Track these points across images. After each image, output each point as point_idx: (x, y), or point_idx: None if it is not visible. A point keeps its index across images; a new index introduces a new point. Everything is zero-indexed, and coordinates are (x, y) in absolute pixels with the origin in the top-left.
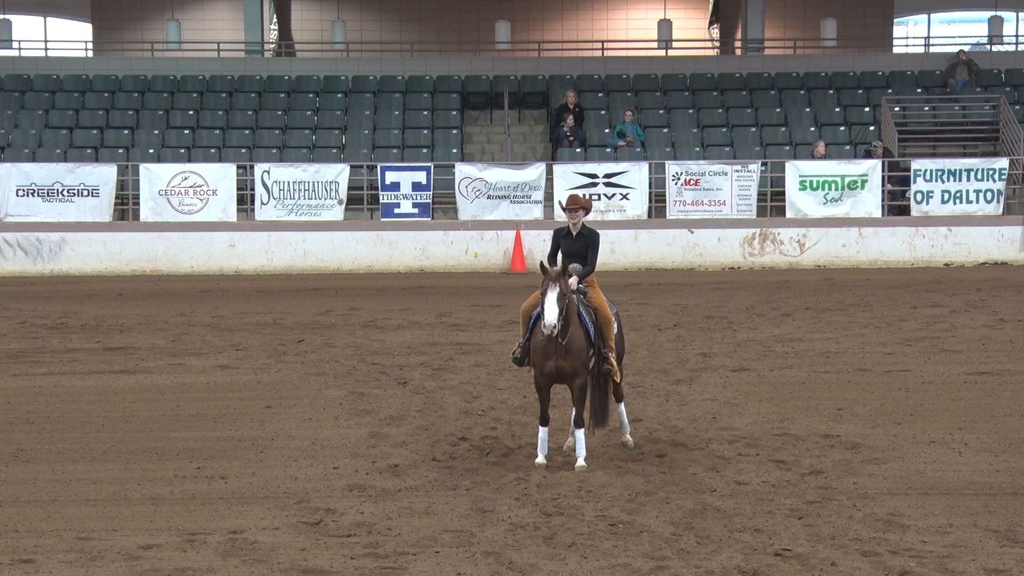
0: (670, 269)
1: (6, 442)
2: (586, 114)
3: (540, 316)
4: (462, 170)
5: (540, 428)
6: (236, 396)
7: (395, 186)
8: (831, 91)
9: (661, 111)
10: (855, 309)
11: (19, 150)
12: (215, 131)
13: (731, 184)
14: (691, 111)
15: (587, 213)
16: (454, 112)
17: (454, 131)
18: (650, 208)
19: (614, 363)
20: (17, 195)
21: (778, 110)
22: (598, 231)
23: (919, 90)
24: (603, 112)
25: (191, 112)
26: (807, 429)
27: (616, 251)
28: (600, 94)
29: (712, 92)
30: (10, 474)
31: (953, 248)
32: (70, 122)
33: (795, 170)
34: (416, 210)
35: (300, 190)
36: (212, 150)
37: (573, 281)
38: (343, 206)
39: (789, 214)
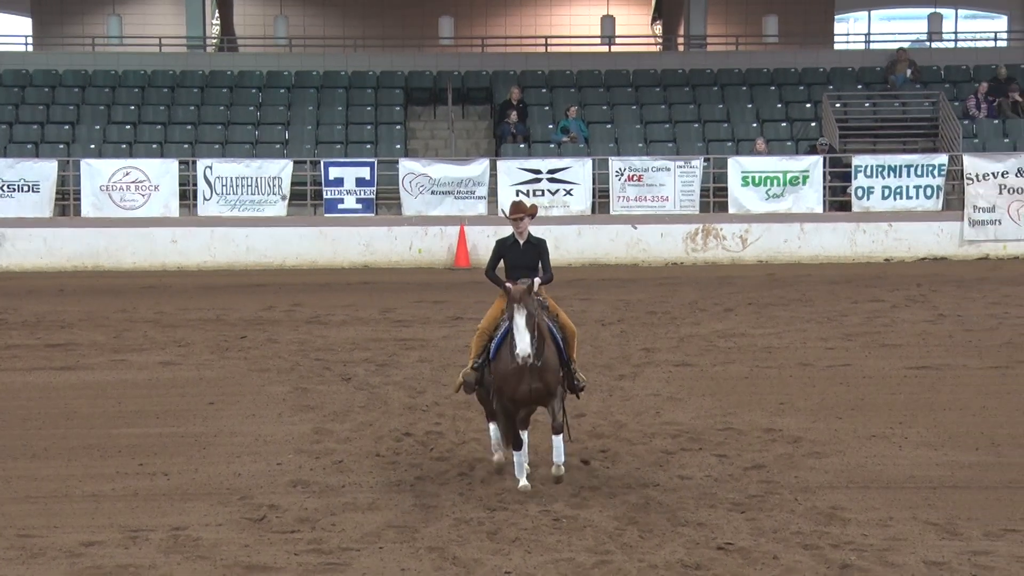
0: (614, 265)
1: None
2: (530, 110)
3: (508, 343)
4: (406, 166)
5: (515, 453)
6: (179, 392)
7: (339, 182)
8: (773, 87)
9: (604, 107)
10: (797, 304)
11: None
12: (157, 126)
13: (674, 180)
14: (634, 107)
15: (532, 219)
16: (397, 108)
17: (398, 127)
18: (594, 204)
19: (583, 377)
20: None
21: (720, 106)
22: (544, 238)
23: (860, 87)
24: (547, 108)
25: (132, 107)
26: (749, 423)
27: (560, 247)
28: (544, 90)
29: (655, 88)
30: None
31: (893, 244)
32: (9, 117)
33: (737, 166)
34: (360, 206)
35: (243, 186)
36: (154, 145)
37: (538, 281)
38: (286, 202)
39: (731, 210)
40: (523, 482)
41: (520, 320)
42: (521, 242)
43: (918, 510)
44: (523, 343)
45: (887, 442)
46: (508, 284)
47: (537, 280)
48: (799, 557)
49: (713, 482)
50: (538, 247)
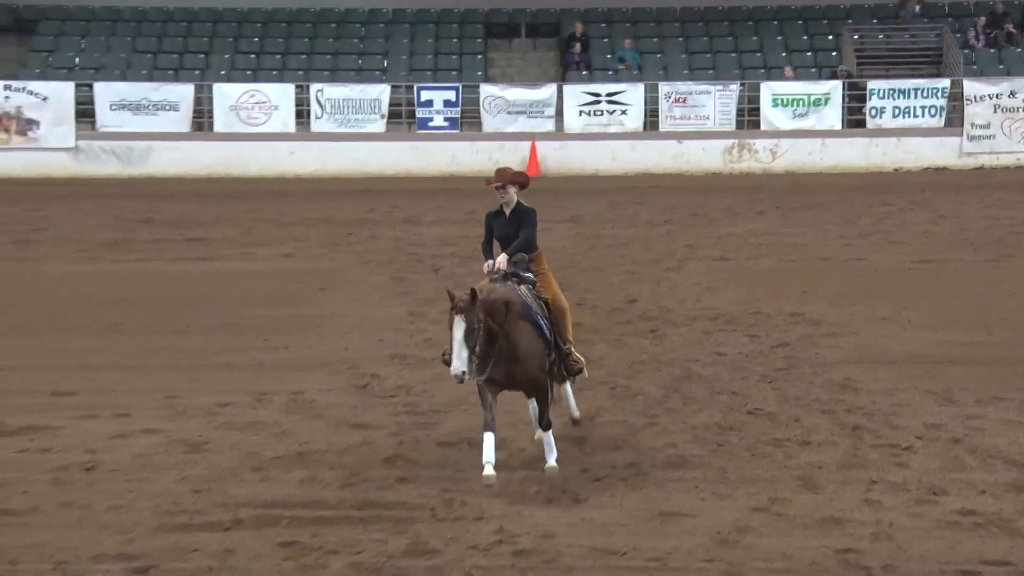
0: (661, 174)
1: (105, 317)
2: (591, 42)
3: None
4: (486, 90)
5: (484, 434)
6: (296, 280)
7: (429, 103)
8: (800, 22)
9: (655, 39)
10: (818, 208)
11: (111, 71)
12: (276, 56)
13: (714, 102)
14: (680, 39)
15: (523, 188)
16: (479, 40)
17: (479, 56)
18: (645, 122)
19: (580, 358)
20: (110, 109)
21: (754, 38)
22: (534, 208)
23: (875, 20)
24: (606, 40)
25: (256, 39)
26: (776, 308)
27: (616, 159)
28: (603, 24)
29: (698, 23)
30: (108, 344)
31: (902, 155)
32: (154, 47)
33: (768, 90)
34: (447, 124)
35: (348, 106)
36: (274, 72)
37: (502, 260)
38: (385, 120)
39: (763, 127)
40: (488, 470)
41: (458, 333)
42: (507, 212)
43: (919, 381)
44: (458, 361)
45: (894, 324)
46: (488, 263)
47: (503, 257)
48: (818, 420)
49: (745, 357)
50: (521, 217)
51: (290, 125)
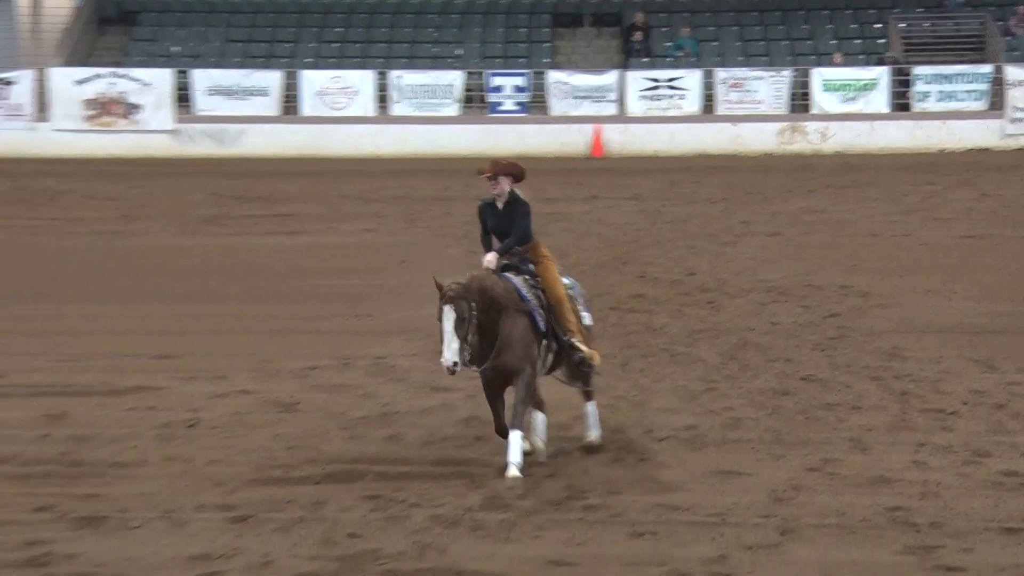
0: (718, 155)
1: (202, 287)
2: (651, 31)
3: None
4: (553, 76)
5: (502, 439)
6: (377, 253)
7: (499, 89)
8: (848, 11)
9: (712, 28)
10: (866, 186)
11: (206, 59)
12: (358, 44)
13: (767, 86)
14: (735, 28)
15: (516, 180)
16: (546, 29)
17: (546, 44)
18: (702, 106)
19: (582, 347)
20: (206, 94)
21: (806, 26)
22: (526, 201)
23: (920, 9)
24: (665, 29)
25: (339, 29)
26: (827, 281)
27: (675, 140)
28: (663, 14)
29: (753, 12)
30: (207, 311)
31: (946, 137)
32: (245, 37)
33: (819, 75)
34: (516, 107)
35: (424, 91)
36: (356, 60)
37: (491, 258)
38: (458, 104)
39: (814, 111)
40: (513, 471)
41: (448, 324)
42: (500, 205)
43: (963, 350)
44: (448, 351)
45: (939, 296)
46: (486, 257)
47: (491, 256)
48: (867, 386)
49: (798, 327)
50: (513, 211)
51: (371, 109)
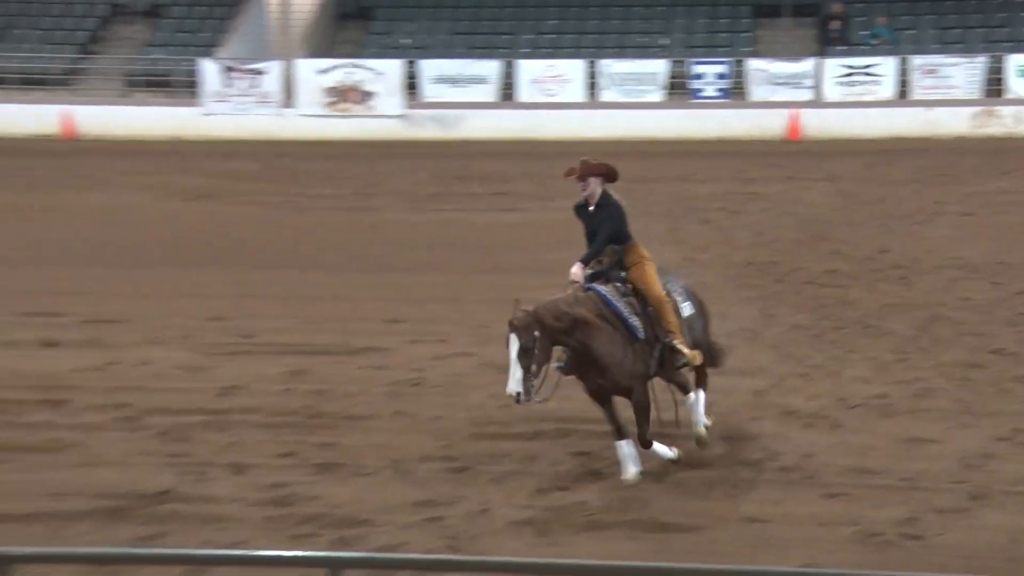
0: (911, 138)
1: (429, 257)
2: (849, 20)
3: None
4: (753, 63)
5: (616, 443)
6: None
7: (701, 76)
8: None
9: (907, 16)
10: None
11: (433, 51)
12: (571, 35)
13: (962, 72)
14: (931, 16)
15: (608, 180)
16: (747, 20)
17: (746, 34)
18: (897, 91)
19: (684, 350)
20: (432, 82)
21: (1001, 14)
22: (620, 202)
23: None
24: (862, 18)
25: (553, 22)
26: (1019, 259)
27: (870, 125)
28: (860, 4)
29: (947, 1)
30: (431, 280)
31: None
32: (467, 30)
33: (1014, 61)
34: (718, 94)
35: (631, 79)
36: (568, 50)
37: (576, 270)
38: (663, 91)
39: (1008, 96)
40: (633, 472)
41: (513, 352)
42: (591, 207)
43: None
44: (512, 381)
45: None
46: (572, 268)
47: (576, 268)
48: None
49: (989, 303)
50: (604, 213)
51: (581, 96)
